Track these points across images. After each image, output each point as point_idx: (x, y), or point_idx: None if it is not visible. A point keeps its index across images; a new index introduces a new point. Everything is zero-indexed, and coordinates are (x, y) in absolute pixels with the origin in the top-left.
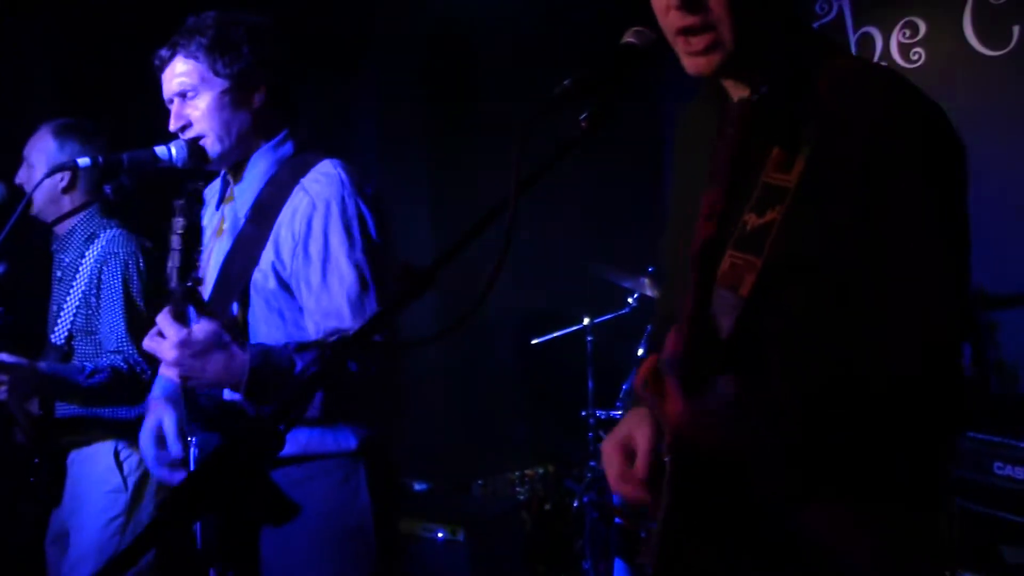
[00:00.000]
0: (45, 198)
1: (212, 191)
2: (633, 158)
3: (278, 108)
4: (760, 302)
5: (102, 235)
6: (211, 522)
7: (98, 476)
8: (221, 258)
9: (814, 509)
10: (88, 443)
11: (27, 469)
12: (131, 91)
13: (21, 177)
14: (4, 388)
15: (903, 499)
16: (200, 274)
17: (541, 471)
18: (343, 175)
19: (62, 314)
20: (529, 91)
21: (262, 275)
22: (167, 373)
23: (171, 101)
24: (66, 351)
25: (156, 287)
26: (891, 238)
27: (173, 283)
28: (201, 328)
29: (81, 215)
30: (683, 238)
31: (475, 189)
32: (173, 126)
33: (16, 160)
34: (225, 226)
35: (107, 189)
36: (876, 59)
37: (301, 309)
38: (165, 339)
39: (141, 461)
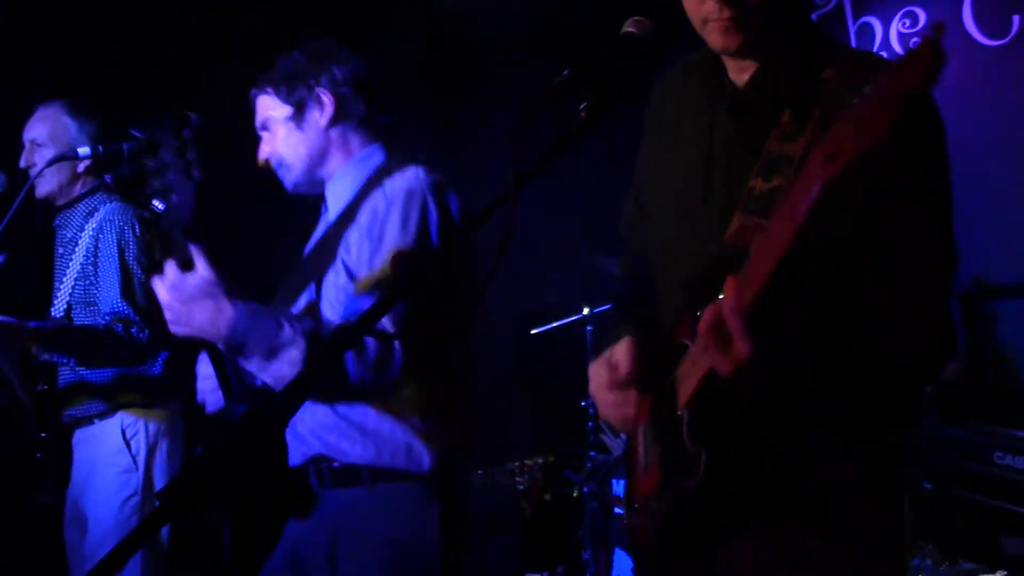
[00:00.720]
0: (63, 182)
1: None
2: (632, 147)
3: (356, 125)
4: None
5: (101, 208)
6: (239, 531)
7: (107, 457)
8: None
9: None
10: (90, 421)
11: (34, 444)
12: (131, 91)
13: (30, 160)
14: None
15: (873, 433)
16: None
17: (541, 461)
18: (422, 174)
19: (61, 287)
20: (528, 85)
21: (335, 273)
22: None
23: (262, 138)
24: (66, 323)
25: (148, 256)
26: (897, 206)
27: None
28: (194, 275)
29: (86, 198)
30: (683, 214)
31: (475, 181)
32: (261, 160)
33: (15, 156)
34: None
35: (108, 178)
36: (876, 48)
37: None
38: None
39: (148, 437)
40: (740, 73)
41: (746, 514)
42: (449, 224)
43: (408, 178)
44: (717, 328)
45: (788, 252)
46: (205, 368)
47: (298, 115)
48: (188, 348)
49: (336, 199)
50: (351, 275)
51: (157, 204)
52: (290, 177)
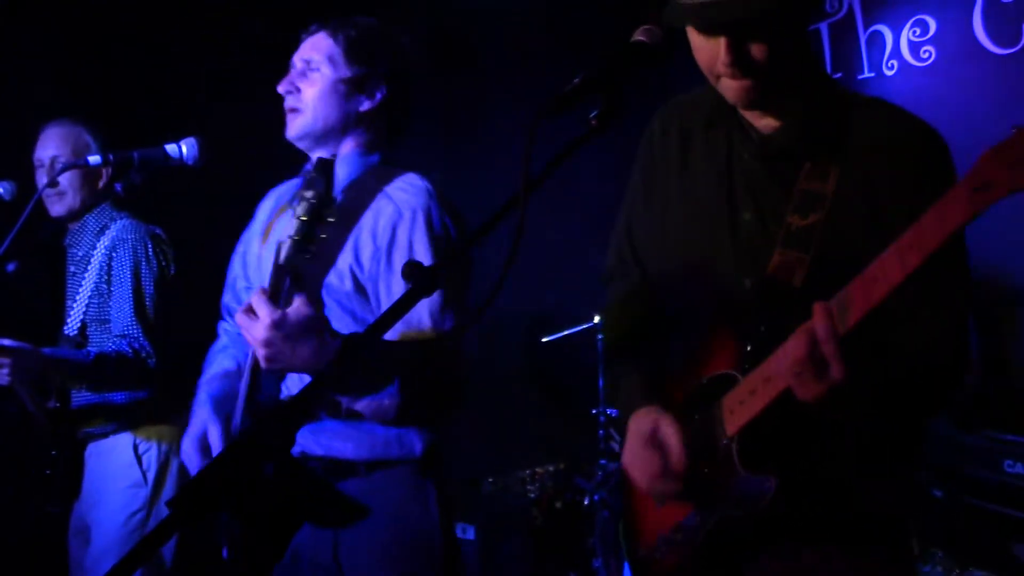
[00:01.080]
0: (85, 199)
1: (276, 193)
2: None
3: (383, 123)
4: (811, 292)
5: (112, 226)
6: (238, 531)
7: (117, 471)
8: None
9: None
10: (105, 436)
11: (45, 462)
12: (131, 92)
13: (58, 180)
14: (5, 372)
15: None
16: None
17: (552, 469)
18: (430, 187)
19: (75, 305)
20: (538, 86)
21: (338, 277)
22: (252, 350)
23: (294, 66)
24: (79, 342)
25: (163, 273)
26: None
27: (283, 256)
28: (297, 311)
29: (95, 211)
30: (703, 250)
31: (485, 185)
32: (281, 87)
33: (16, 159)
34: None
35: (118, 187)
36: (886, 57)
37: (372, 313)
38: (257, 318)
39: (160, 454)
40: (759, 119)
41: (784, 535)
42: (464, 232)
43: (419, 191)
44: (812, 353)
45: (903, 282)
46: (190, 446)
47: (349, 84)
48: (196, 362)
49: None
50: (360, 286)
51: None
52: (301, 129)
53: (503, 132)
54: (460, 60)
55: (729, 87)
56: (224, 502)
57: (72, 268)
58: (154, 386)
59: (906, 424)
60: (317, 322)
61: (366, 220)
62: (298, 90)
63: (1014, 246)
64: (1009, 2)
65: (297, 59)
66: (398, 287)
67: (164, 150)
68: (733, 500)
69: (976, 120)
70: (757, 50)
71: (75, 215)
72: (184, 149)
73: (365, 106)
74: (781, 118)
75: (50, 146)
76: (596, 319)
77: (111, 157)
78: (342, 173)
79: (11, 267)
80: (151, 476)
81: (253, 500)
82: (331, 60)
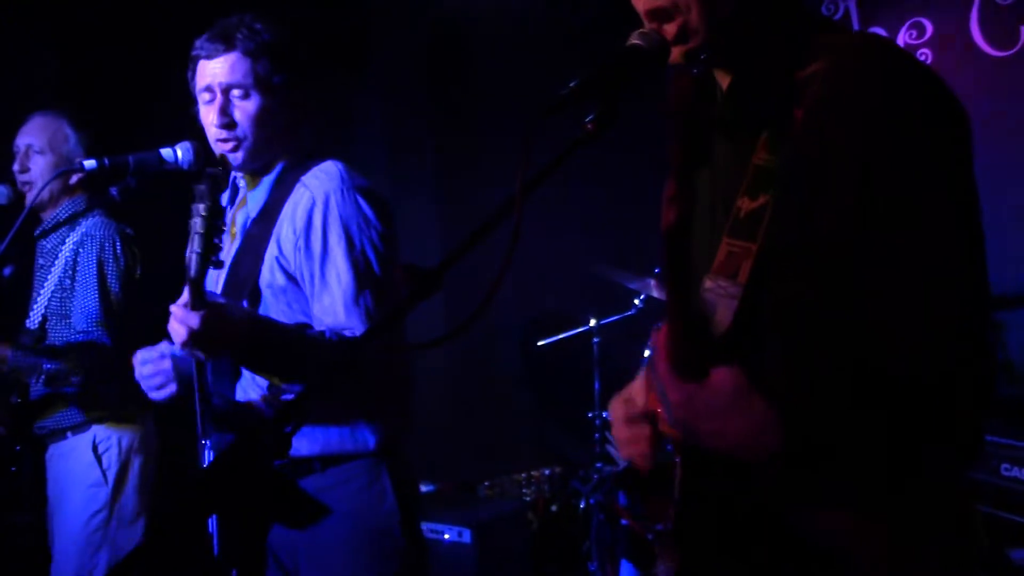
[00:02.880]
0: (53, 192)
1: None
2: (639, 159)
3: (309, 125)
4: (759, 289)
5: (83, 222)
6: (230, 528)
7: (78, 471)
8: (230, 259)
9: (821, 508)
10: (64, 436)
11: (9, 457)
12: (131, 92)
13: (25, 165)
14: None
15: (915, 498)
16: (220, 257)
17: (547, 472)
18: (342, 170)
19: (39, 298)
20: (534, 91)
21: (268, 270)
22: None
23: (209, 90)
24: (39, 335)
25: (130, 272)
26: (897, 220)
27: (192, 270)
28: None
29: (67, 205)
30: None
31: (482, 190)
32: (218, 121)
33: (11, 164)
34: (236, 230)
35: (113, 191)
36: None
37: (308, 300)
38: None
39: (120, 452)
40: (723, 79)
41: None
42: (383, 213)
43: (331, 175)
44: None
45: None
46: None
47: (285, 104)
48: None
49: (260, 193)
50: (290, 276)
51: None
52: (246, 155)
53: (498, 137)
54: (455, 64)
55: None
56: (222, 507)
57: (41, 260)
58: (112, 381)
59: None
60: (221, 310)
61: (286, 211)
62: (235, 122)
63: (1010, 249)
64: (1006, 4)
65: (209, 83)
66: (316, 275)
67: (159, 154)
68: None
69: (973, 122)
70: None
71: (44, 206)
72: (179, 153)
73: (296, 115)
74: (732, 81)
75: (27, 134)
76: (592, 323)
77: (106, 161)
78: (270, 178)
79: (7, 271)
80: (111, 475)
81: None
82: (257, 81)
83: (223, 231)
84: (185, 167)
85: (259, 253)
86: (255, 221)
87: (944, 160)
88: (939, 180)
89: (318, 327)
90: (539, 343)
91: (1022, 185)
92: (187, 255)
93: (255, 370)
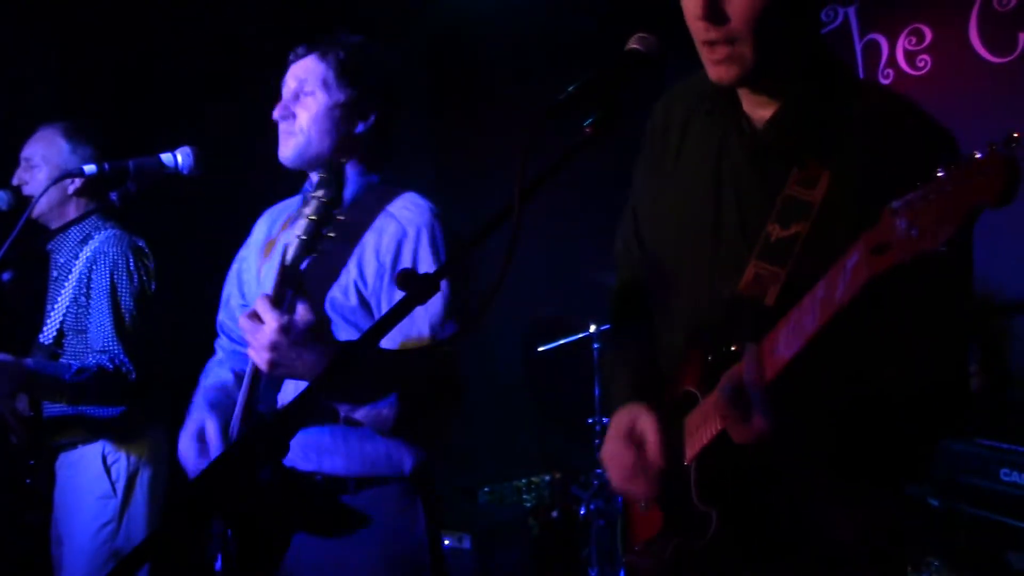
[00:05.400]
0: (52, 202)
1: (272, 213)
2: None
3: (377, 144)
4: (784, 312)
5: (96, 236)
6: (233, 544)
7: (87, 482)
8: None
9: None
10: (74, 446)
11: (23, 471)
12: (131, 92)
13: (22, 178)
14: None
15: (895, 483)
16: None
17: (548, 478)
18: (433, 206)
19: (53, 313)
20: (534, 93)
21: (342, 291)
22: (251, 355)
23: (287, 90)
24: (55, 350)
25: (143, 289)
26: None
27: (289, 256)
28: (303, 316)
29: (80, 218)
30: (690, 250)
31: (482, 192)
32: (277, 113)
33: (15, 161)
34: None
35: (113, 196)
36: (882, 66)
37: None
38: (262, 323)
39: (129, 464)
40: (756, 108)
41: (754, 563)
42: (461, 247)
43: (422, 209)
44: (737, 396)
45: (818, 334)
46: (187, 441)
47: (343, 107)
48: (173, 372)
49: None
50: (364, 301)
51: None
52: (295, 153)
53: (498, 141)
54: (455, 67)
55: (706, 56)
56: (219, 508)
57: (55, 273)
58: (132, 401)
59: (884, 457)
60: (321, 328)
61: (369, 238)
62: (293, 115)
63: (1012, 255)
64: (1005, 11)
65: (288, 83)
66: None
67: (159, 159)
68: (687, 527)
69: (972, 129)
70: (734, 2)
71: (48, 217)
72: (180, 158)
73: (360, 128)
74: (773, 108)
75: (27, 147)
76: (592, 329)
77: (106, 166)
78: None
79: (6, 276)
80: (120, 487)
81: (248, 508)
82: (324, 84)
83: (334, 226)
84: (185, 172)
85: (334, 272)
86: (330, 239)
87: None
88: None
89: (392, 346)
90: (539, 349)
91: (1021, 190)
92: (285, 244)
93: (325, 394)
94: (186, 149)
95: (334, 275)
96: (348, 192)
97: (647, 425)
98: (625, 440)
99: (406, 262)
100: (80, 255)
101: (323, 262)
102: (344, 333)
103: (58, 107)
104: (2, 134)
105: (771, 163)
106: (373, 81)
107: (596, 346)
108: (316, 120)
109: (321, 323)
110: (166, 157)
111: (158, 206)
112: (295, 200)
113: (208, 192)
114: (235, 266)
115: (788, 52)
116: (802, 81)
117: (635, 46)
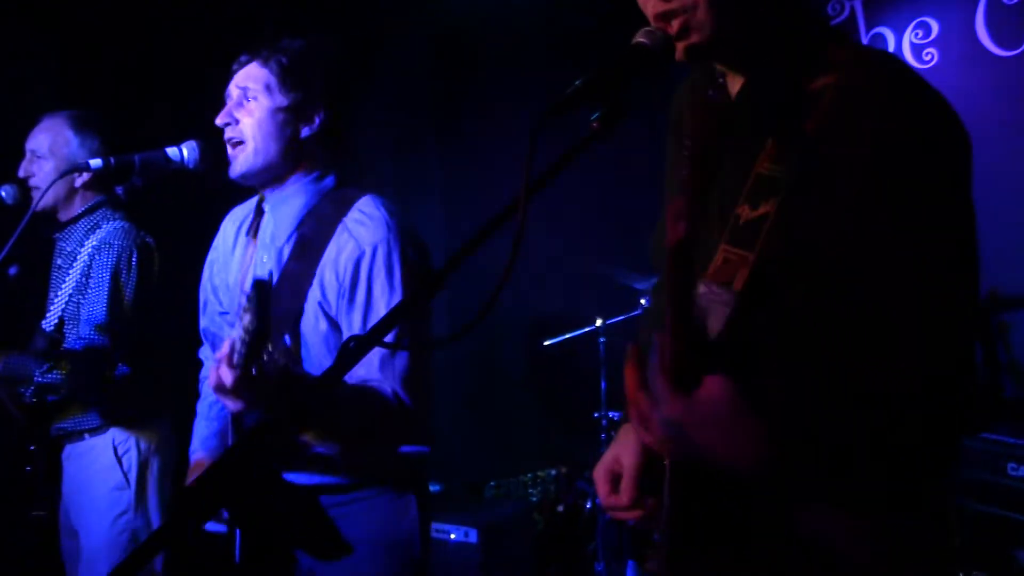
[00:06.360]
0: (59, 196)
1: (235, 217)
2: (645, 158)
3: (327, 145)
4: (754, 298)
5: (104, 226)
6: (250, 536)
7: (98, 474)
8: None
9: (814, 511)
10: (81, 436)
11: (23, 457)
12: (132, 92)
13: (28, 170)
14: None
15: (906, 503)
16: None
17: (554, 473)
18: (387, 217)
19: (56, 300)
20: (539, 90)
21: (312, 313)
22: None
23: (230, 98)
24: (56, 337)
25: (144, 285)
26: (898, 236)
27: (237, 356)
28: (273, 370)
29: (90, 209)
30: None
31: (488, 189)
32: (220, 120)
33: (16, 158)
34: (266, 258)
35: (119, 190)
36: None
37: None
38: (230, 374)
39: (140, 453)
40: (733, 84)
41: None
42: (423, 256)
43: (378, 224)
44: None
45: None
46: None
47: (287, 111)
48: (178, 365)
49: (282, 217)
50: (333, 321)
51: None
52: (244, 166)
53: (504, 137)
54: (460, 66)
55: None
56: (225, 503)
57: (59, 261)
58: (109, 393)
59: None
60: (288, 375)
61: (329, 254)
62: (236, 121)
63: (1015, 249)
64: (1012, 4)
65: (232, 90)
66: (357, 326)
67: (165, 153)
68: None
69: (979, 123)
70: None
71: (54, 209)
72: (185, 152)
73: (305, 132)
74: (743, 85)
75: (31, 139)
76: (598, 323)
77: (112, 161)
78: (297, 204)
79: (13, 270)
80: (133, 476)
81: (252, 510)
82: (267, 88)
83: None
84: (191, 166)
85: (300, 292)
86: (292, 257)
87: (946, 183)
88: (941, 202)
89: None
90: (545, 343)
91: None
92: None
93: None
94: (192, 143)
95: (301, 297)
96: (304, 204)
97: (627, 456)
98: (607, 471)
99: (362, 283)
100: (86, 243)
101: (289, 282)
102: (318, 352)
103: (58, 106)
104: (2, 134)
105: (745, 139)
106: (317, 84)
107: (602, 340)
108: (260, 125)
109: (287, 368)
110: (172, 151)
111: (160, 201)
112: (251, 202)
113: (208, 190)
114: (205, 273)
115: (752, 18)
116: (772, 52)
117: (641, 40)
